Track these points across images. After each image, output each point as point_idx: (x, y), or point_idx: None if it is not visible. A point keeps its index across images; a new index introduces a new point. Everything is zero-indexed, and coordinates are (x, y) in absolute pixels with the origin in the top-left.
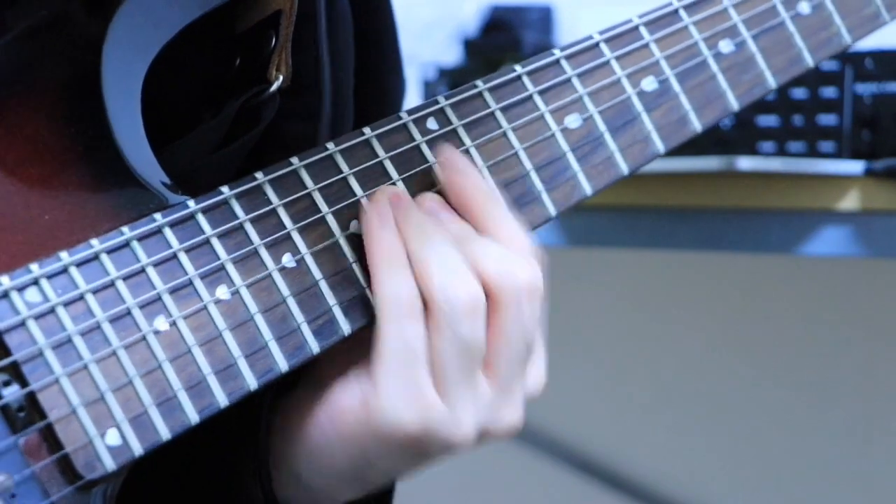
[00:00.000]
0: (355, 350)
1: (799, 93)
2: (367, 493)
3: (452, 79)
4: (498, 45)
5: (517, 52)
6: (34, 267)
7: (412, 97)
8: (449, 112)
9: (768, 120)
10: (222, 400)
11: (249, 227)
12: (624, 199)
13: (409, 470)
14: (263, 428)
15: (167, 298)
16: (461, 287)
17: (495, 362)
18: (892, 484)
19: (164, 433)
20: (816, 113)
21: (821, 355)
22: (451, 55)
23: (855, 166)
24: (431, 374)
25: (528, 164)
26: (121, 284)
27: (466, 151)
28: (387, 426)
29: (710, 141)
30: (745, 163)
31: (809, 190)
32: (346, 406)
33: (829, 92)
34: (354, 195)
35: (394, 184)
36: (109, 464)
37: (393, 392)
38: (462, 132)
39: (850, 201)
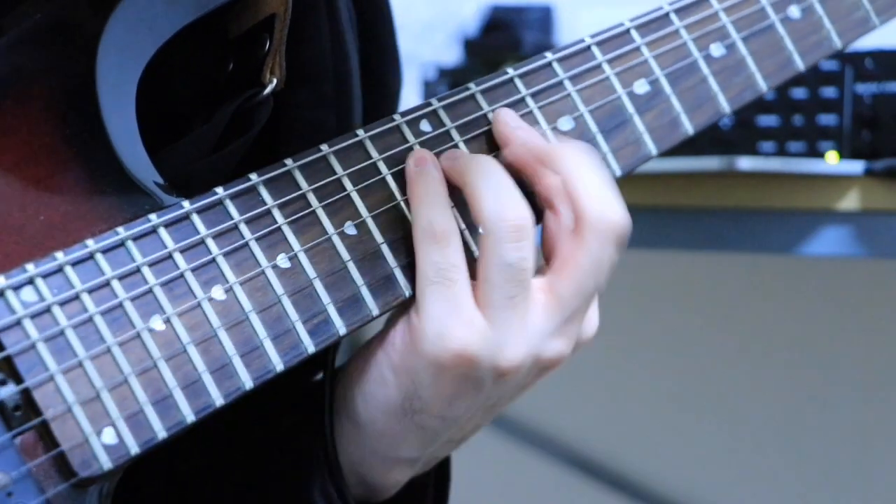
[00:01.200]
0: None
1: (799, 93)
2: (426, 464)
3: (452, 79)
4: (498, 45)
5: (517, 52)
6: (30, 266)
7: (412, 97)
8: (442, 114)
9: (768, 120)
10: (217, 399)
11: (244, 228)
12: (624, 199)
13: (462, 403)
14: (328, 406)
15: (162, 298)
16: (509, 210)
17: (560, 288)
18: (893, 484)
19: (160, 432)
20: (816, 113)
21: (821, 355)
22: (451, 55)
23: (855, 166)
24: (476, 296)
25: None
26: (116, 284)
27: None
28: (430, 344)
29: (710, 141)
30: (745, 163)
31: (809, 190)
32: (395, 335)
33: (829, 92)
34: (348, 196)
35: (387, 185)
36: (105, 462)
37: (433, 311)
38: (455, 134)
39: (850, 201)
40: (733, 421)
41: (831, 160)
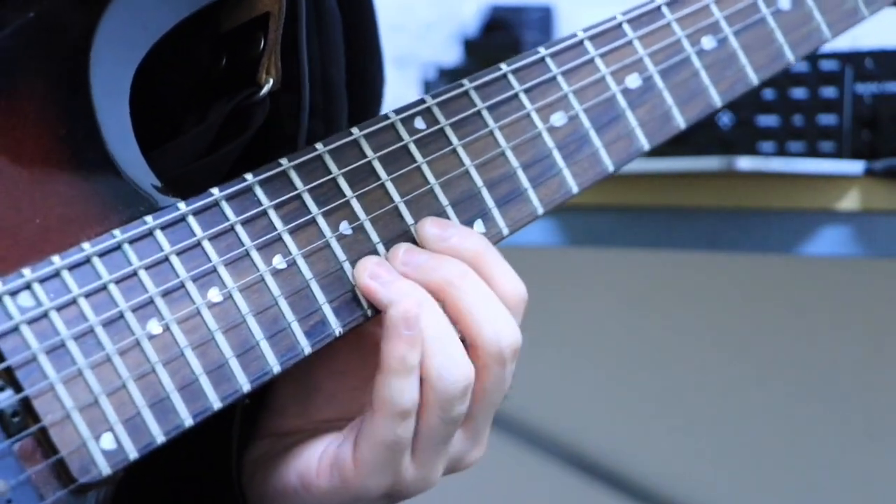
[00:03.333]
0: (320, 402)
1: (799, 93)
2: None
3: (452, 79)
4: (498, 45)
5: (517, 53)
6: (26, 271)
7: (412, 97)
8: (436, 111)
9: (768, 120)
10: (215, 402)
11: (240, 229)
12: (624, 199)
13: None
14: (236, 486)
15: (159, 301)
16: (457, 371)
17: (474, 417)
18: (893, 484)
19: (158, 436)
20: (816, 113)
21: (821, 355)
22: (451, 55)
23: (855, 166)
24: (413, 445)
25: (514, 163)
26: (113, 288)
27: (453, 151)
28: (362, 495)
29: (710, 141)
30: (745, 163)
31: (809, 190)
32: (321, 474)
33: (829, 92)
34: (344, 196)
35: (382, 184)
36: (104, 467)
37: (375, 472)
38: (449, 131)
39: (850, 201)
40: (733, 421)
41: (831, 160)
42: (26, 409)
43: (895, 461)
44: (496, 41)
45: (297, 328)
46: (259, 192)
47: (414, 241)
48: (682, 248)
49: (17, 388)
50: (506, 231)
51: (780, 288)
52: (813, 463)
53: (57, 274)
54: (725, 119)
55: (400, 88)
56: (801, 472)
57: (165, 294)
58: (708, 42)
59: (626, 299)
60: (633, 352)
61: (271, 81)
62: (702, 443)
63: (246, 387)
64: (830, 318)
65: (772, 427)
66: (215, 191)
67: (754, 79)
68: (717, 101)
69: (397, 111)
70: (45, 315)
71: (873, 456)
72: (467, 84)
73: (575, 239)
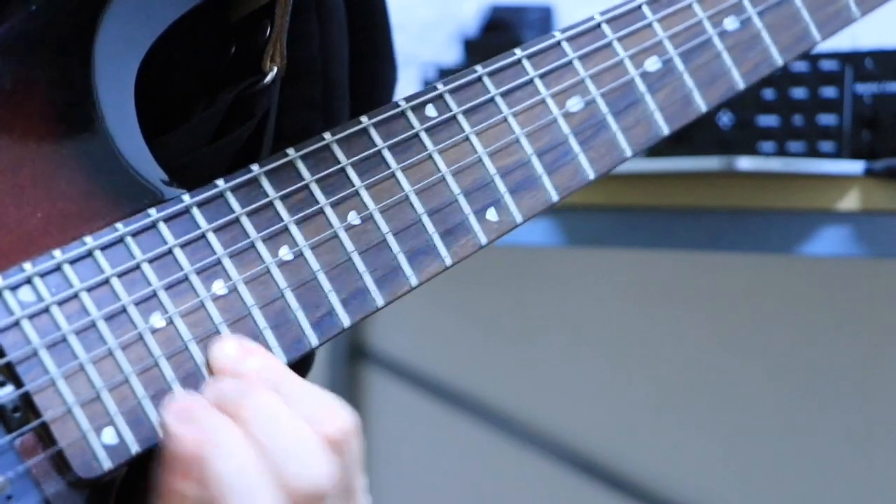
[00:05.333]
0: None
1: (799, 93)
2: None
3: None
4: (498, 45)
5: None
6: (27, 266)
7: None
8: (448, 98)
9: (768, 120)
10: None
11: (245, 221)
12: (624, 199)
13: None
14: None
15: (163, 295)
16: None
17: None
18: (893, 484)
19: (160, 430)
20: (816, 113)
21: (821, 355)
22: (451, 55)
23: (855, 166)
24: None
25: (529, 150)
26: (115, 281)
27: (466, 138)
28: None
29: (710, 141)
30: (745, 163)
31: (809, 190)
32: None
33: (829, 92)
34: (353, 185)
35: (392, 174)
36: (106, 462)
37: None
38: (462, 119)
39: (850, 201)
40: (733, 421)
41: (831, 160)
42: (27, 405)
43: (895, 461)
44: (496, 41)
45: (303, 321)
46: (265, 182)
47: (425, 230)
48: (682, 248)
49: (18, 383)
50: (519, 219)
51: (780, 288)
52: (812, 462)
53: (58, 268)
54: (725, 119)
55: (400, 88)
56: (800, 472)
57: (169, 287)
58: (730, 23)
59: (626, 299)
60: (633, 352)
61: (276, 69)
62: (701, 442)
63: None
64: (830, 318)
65: (772, 427)
66: (220, 182)
67: (779, 59)
68: (741, 83)
69: (408, 99)
70: (46, 310)
71: (873, 456)
72: (480, 70)
73: (575, 239)
